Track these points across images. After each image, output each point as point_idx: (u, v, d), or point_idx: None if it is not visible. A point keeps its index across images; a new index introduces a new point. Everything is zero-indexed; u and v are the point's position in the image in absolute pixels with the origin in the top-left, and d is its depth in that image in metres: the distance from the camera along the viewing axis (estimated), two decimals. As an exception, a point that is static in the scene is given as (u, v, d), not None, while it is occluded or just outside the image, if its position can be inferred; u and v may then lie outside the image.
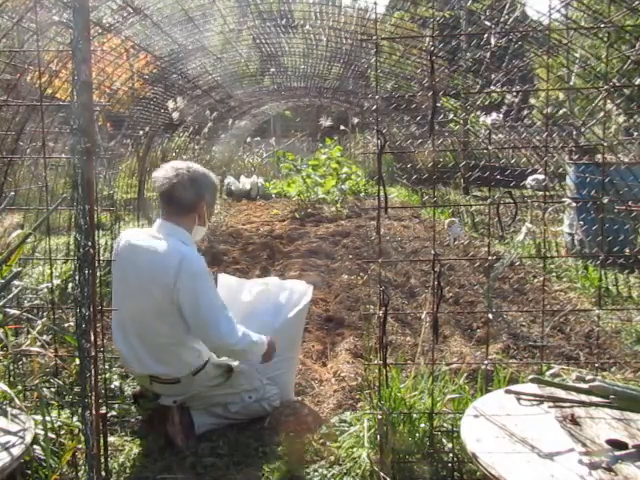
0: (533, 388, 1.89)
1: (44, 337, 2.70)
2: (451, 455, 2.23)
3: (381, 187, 2.05)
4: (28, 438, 1.86)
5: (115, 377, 3.11)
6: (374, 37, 2.04)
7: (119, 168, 6.78)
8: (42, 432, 2.07)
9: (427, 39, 4.89)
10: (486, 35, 3.82)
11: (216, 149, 11.37)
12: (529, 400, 1.85)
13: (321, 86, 9.17)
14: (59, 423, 2.36)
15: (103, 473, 1.93)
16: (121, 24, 4.32)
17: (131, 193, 7.04)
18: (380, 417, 2.18)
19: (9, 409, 2.01)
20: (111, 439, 2.49)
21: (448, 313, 4.21)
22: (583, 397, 1.78)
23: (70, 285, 4.08)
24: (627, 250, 5.03)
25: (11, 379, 2.48)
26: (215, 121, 8.39)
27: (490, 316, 2.39)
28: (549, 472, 1.48)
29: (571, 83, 5.40)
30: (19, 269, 2.55)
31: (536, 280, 5.23)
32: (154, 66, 5.79)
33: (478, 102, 6.74)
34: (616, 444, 1.59)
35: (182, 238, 2.48)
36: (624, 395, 1.69)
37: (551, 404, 1.82)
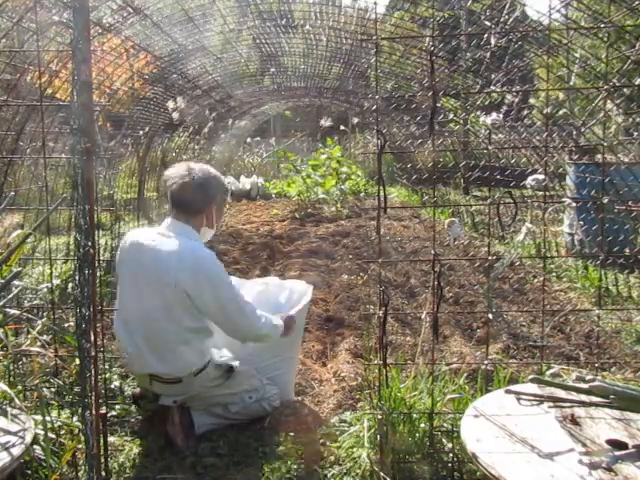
0: (533, 388, 1.89)
1: (44, 337, 2.70)
2: (451, 455, 2.23)
3: (381, 187, 2.05)
4: (28, 438, 1.86)
5: (115, 377, 3.11)
6: (374, 37, 2.04)
7: (119, 168, 6.78)
8: (42, 432, 2.07)
9: (427, 39, 4.89)
10: (486, 35, 3.82)
11: (216, 149, 11.38)
12: (529, 400, 1.85)
13: (321, 86, 9.17)
14: (59, 423, 2.36)
15: (103, 473, 1.93)
16: (121, 24, 4.32)
17: (131, 193, 7.05)
18: (380, 417, 2.18)
19: (9, 409, 2.01)
20: (111, 439, 2.49)
21: (448, 313, 4.21)
22: (583, 397, 1.78)
23: (70, 285, 4.08)
24: (627, 250, 5.03)
25: (11, 379, 2.48)
26: (215, 121, 8.40)
27: (490, 316, 2.38)
28: (549, 472, 1.49)
29: (571, 83, 5.40)
30: (19, 269, 2.55)
31: (536, 280, 5.23)
32: (154, 66, 5.79)
33: (478, 102, 6.74)
34: (616, 444, 1.59)
35: (192, 237, 2.50)
36: (624, 395, 1.69)
37: (551, 404, 1.82)
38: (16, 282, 2.70)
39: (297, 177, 11.08)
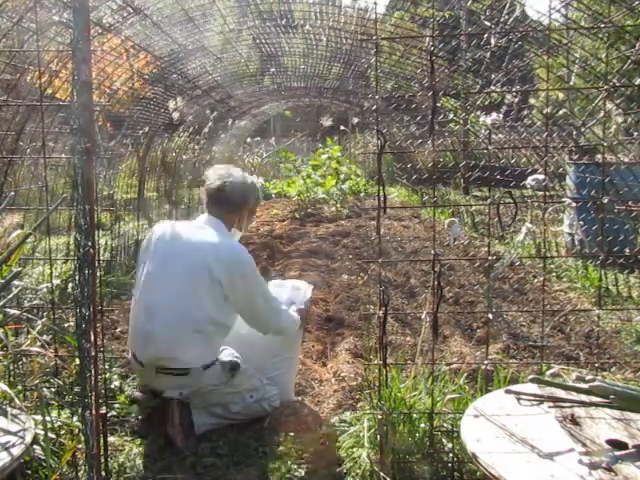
0: (533, 388, 1.89)
1: (44, 337, 2.70)
2: (451, 455, 2.23)
3: (381, 187, 2.05)
4: (28, 438, 1.86)
5: (115, 377, 3.11)
6: (374, 37, 2.04)
7: (119, 168, 6.77)
8: (42, 432, 2.07)
9: (427, 39, 4.89)
10: (486, 35, 3.81)
11: (216, 149, 11.36)
12: (529, 400, 1.85)
13: (321, 86, 9.17)
14: (59, 423, 2.36)
15: (103, 473, 1.93)
16: (121, 24, 4.31)
17: (131, 193, 7.04)
18: (380, 417, 2.18)
19: (9, 409, 2.01)
20: (111, 439, 2.49)
21: (448, 313, 4.21)
22: (583, 397, 1.78)
23: (70, 285, 4.08)
24: (627, 250, 5.03)
25: (11, 379, 2.48)
26: (215, 121, 8.38)
27: (490, 316, 2.38)
28: (549, 472, 1.49)
29: (571, 83, 5.40)
30: (19, 269, 2.55)
31: (536, 280, 5.23)
32: (154, 66, 5.78)
33: (478, 102, 6.74)
34: (616, 444, 1.59)
35: (225, 233, 2.65)
36: (624, 395, 1.69)
37: (551, 404, 1.82)
38: (16, 282, 2.70)
39: (297, 177, 11.08)
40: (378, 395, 2.21)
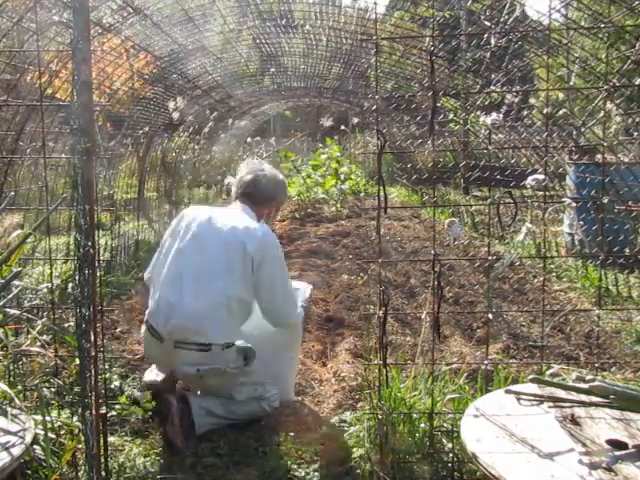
0: (533, 388, 1.89)
1: (44, 337, 2.70)
2: (451, 455, 2.23)
3: (381, 187, 2.05)
4: (28, 438, 1.86)
5: (115, 377, 3.11)
6: (374, 37, 2.04)
7: (119, 168, 6.77)
8: (42, 432, 2.07)
9: (427, 39, 4.89)
10: (486, 35, 3.81)
11: (216, 149, 11.36)
12: (529, 400, 1.85)
13: (321, 86, 9.17)
14: (59, 423, 2.36)
15: (103, 473, 1.93)
16: (121, 24, 4.31)
17: (131, 193, 7.04)
18: (380, 417, 2.18)
19: (9, 409, 2.01)
20: (111, 439, 2.49)
21: (448, 313, 4.21)
22: (583, 397, 1.78)
23: (70, 285, 4.08)
24: (627, 250, 5.03)
25: (11, 379, 2.48)
26: (215, 121, 8.38)
27: (490, 316, 2.38)
28: (549, 472, 1.49)
29: (571, 83, 5.40)
30: (19, 269, 2.55)
31: (536, 280, 5.23)
32: (154, 66, 5.78)
33: (478, 102, 6.74)
34: (616, 444, 1.59)
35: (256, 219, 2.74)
36: (624, 395, 1.69)
37: (551, 404, 1.82)
38: (16, 282, 2.70)
39: (297, 177, 11.08)
40: (378, 395, 2.21)
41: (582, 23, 5.70)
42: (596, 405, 1.76)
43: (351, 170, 11.93)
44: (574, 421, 1.72)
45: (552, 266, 5.54)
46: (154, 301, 2.64)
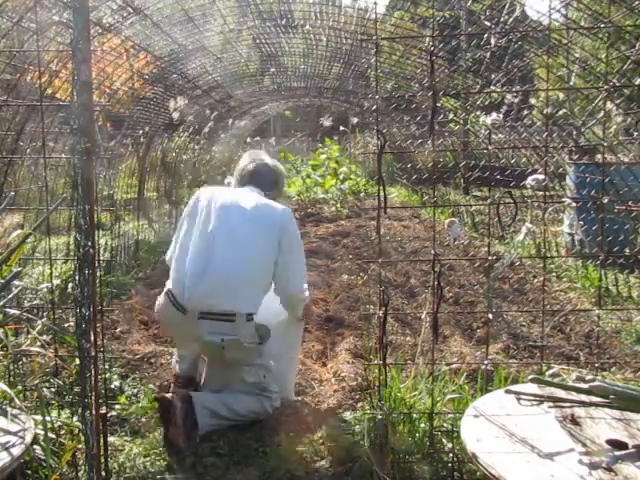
0: (533, 388, 1.89)
1: (44, 337, 2.70)
2: (451, 455, 2.23)
3: (381, 187, 2.05)
4: (28, 438, 1.86)
5: (115, 377, 3.11)
6: (374, 37, 2.04)
7: (119, 168, 6.77)
8: (42, 432, 2.07)
9: (427, 39, 4.89)
10: (486, 35, 3.81)
11: (216, 149, 11.36)
12: (529, 400, 1.85)
13: (321, 86, 9.16)
14: (59, 423, 2.36)
15: (103, 473, 1.93)
16: (121, 24, 4.31)
17: (131, 193, 7.04)
18: (380, 417, 2.18)
19: (9, 409, 2.01)
20: (111, 439, 2.49)
21: (448, 313, 4.21)
22: (583, 397, 1.78)
23: (70, 285, 4.08)
24: (627, 250, 5.03)
25: (11, 379, 2.48)
26: (215, 121, 8.38)
27: (490, 316, 2.38)
28: (549, 472, 1.49)
29: (571, 83, 5.40)
30: (19, 269, 2.55)
31: (536, 280, 5.23)
32: (154, 66, 5.78)
33: (478, 102, 6.74)
34: (616, 444, 1.59)
35: None
36: (624, 395, 1.69)
37: (551, 404, 1.82)
38: (16, 282, 2.70)
39: (297, 177, 11.08)
40: (378, 395, 2.22)
41: (582, 23, 5.70)
42: (596, 405, 1.76)
43: (351, 170, 11.94)
44: (574, 421, 1.72)
45: (552, 266, 5.54)
46: (178, 273, 2.68)
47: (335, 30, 5.90)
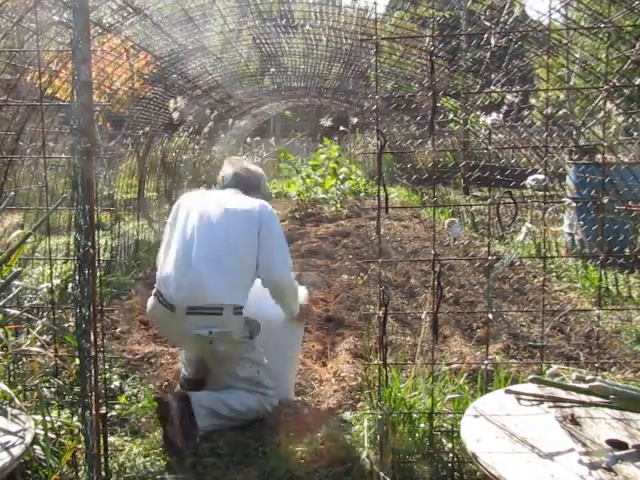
0: (533, 388, 1.89)
1: (44, 337, 2.70)
2: (451, 455, 2.23)
3: (381, 187, 2.05)
4: (28, 438, 1.86)
5: (115, 377, 3.11)
6: (374, 37, 2.04)
7: (119, 168, 6.77)
8: (42, 432, 2.07)
9: (427, 39, 4.89)
10: (486, 35, 3.81)
11: (216, 149, 11.37)
12: (529, 400, 1.85)
13: (321, 86, 9.17)
14: (59, 423, 2.36)
15: (103, 473, 1.93)
16: (121, 24, 4.31)
17: (131, 193, 7.04)
18: (380, 417, 2.18)
19: (9, 409, 2.01)
20: (111, 439, 2.49)
21: (448, 313, 4.21)
22: (583, 397, 1.78)
23: (70, 285, 4.08)
24: (627, 250, 5.03)
25: (11, 379, 2.48)
26: (215, 121, 8.39)
27: (490, 316, 2.38)
28: (549, 472, 1.48)
29: (571, 83, 5.40)
30: (19, 269, 2.55)
31: (536, 280, 5.23)
32: (154, 66, 5.78)
33: (478, 102, 6.74)
34: (616, 444, 1.59)
35: None
36: (624, 395, 1.69)
37: (551, 404, 1.82)
38: (16, 282, 2.70)
39: (297, 177, 11.08)
40: (378, 395, 2.21)
41: (582, 23, 5.70)
42: (596, 405, 1.76)
43: (351, 170, 11.94)
44: (574, 421, 1.72)
45: (552, 266, 5.54)
46: (164, 273, 2.71)
47: (335, 30, 5.90)
